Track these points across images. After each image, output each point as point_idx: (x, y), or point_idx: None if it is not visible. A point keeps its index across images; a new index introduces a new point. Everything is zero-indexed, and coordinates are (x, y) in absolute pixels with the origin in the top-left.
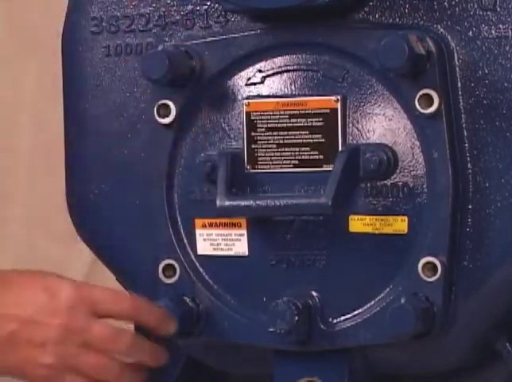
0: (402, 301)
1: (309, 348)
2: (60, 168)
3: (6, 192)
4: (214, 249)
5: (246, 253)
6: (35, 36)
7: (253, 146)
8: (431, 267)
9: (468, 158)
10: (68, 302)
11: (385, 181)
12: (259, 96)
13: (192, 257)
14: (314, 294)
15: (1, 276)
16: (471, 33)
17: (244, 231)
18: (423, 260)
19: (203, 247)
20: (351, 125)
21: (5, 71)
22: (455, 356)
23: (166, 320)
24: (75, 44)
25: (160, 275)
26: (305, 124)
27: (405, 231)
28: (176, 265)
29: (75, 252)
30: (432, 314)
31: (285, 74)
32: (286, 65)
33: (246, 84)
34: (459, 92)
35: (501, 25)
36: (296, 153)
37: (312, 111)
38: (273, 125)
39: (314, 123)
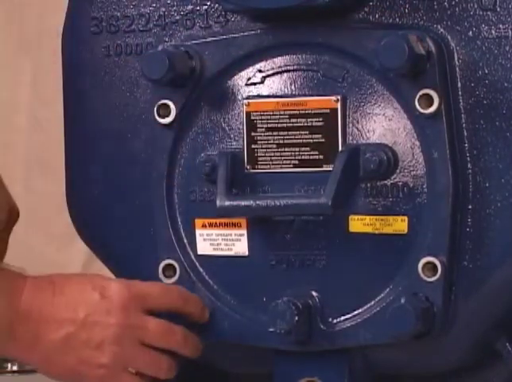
0: (402, 301)
1: (309, 348)
2: (57, 168)
3: None
4: (214, 249)
5: (246, 253)
6: (32, 36)
7: (253, 146)
8: (431, 267)
9: (468, 158)
10: (121, 301)
11: (385, 181)
12: (259, 96)
13: (192, 257)
14: (314, 294)
15: (46, 280)
16: (471, 33)
17: (244, 231)
18: (423, 260)
19: (203, 247)
20: (351, 125)
21: (2, 71)
22: (455, 356)
23: (204, 309)
24: (75, 44)
25: (161, 275)
26: (305, 124)
27: (405, 231)
28: (176, 265)
29: (70, 253)
30: (432, 314)
31: (285, 74)
32: (286, 65)
33: (246, 84)
34: (459, 92)
35: (501, 25)
36: (296, 153)
37: (312, 111)
38: (273, 125)
39: (314, 123)
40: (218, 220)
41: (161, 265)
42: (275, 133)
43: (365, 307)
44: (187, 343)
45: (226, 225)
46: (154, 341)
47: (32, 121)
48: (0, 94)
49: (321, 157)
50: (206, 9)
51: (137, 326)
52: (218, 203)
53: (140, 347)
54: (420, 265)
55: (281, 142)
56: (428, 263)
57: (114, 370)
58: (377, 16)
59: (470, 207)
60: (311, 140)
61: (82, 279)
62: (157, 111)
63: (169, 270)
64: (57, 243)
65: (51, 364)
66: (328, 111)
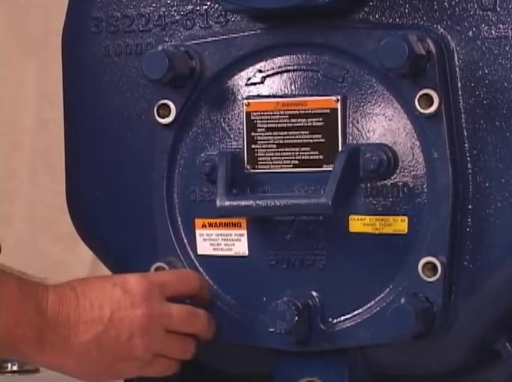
0: (402, 301)
1: (309, 348)
2: (62, 168)
3: (9, 192)
4: (214, 249)
5: (246, 253)
6: (35, 36)
7: (253, 146)
8: (431, 267)
9: (468, 158)
10: (142, 292)
11: (385, 181)
12: (259, 96)
13: (192, 257)
14: (314, 294)
15: (66, 286)
16: (471, 33)
17: (244, 232)
18: (423, 260)
19: (203, 247)
20: (351, 125)
21: (6, 70)
22: (455, 356)
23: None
24: (75, 44)
25: None
26: (305, 124)
27: (405, 231)
28: (177, 265)
29: (77, 253)
30: (432, 314)
31: (285, 74)
32: (286, 65)
33: (246, 84)
34: (459, 92)
35: (501, 25)
36: (296, 153)
37: (312, 111)
38: (273, 125)
39: (314, 123)
40: (218, 220)
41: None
42: (275, 133)
43: (365, 307)
44: (210, 326)
45: (226, 225)
46: (180, 327)
47: (38, 121)
48: (5, 94)
49: (321, 157)
50: (206, 9)
51: (162, 314)
52: (218, 203)
53: (167, 334)
54: (420, 265)
55: (281, 142)
56: (428, 263)
57: (147, 359)
58: (377, 16)
59: (470, 207)
60: (311, 140)
61: (100, 279)
62: (157, 111)
63: None
64: (64, 243)
65: (86, 366)
66: (328, 111)
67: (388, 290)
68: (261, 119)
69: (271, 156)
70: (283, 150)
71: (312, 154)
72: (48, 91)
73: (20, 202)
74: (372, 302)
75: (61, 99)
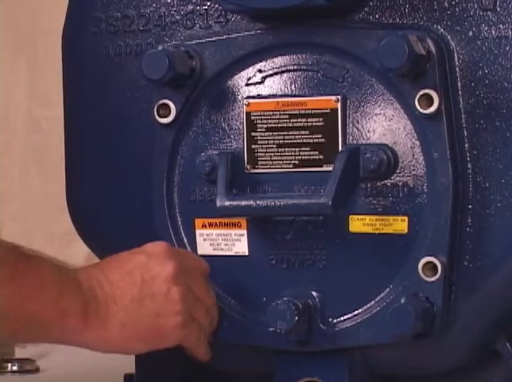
0: (402, 301)
1: (309, 348)
2: (54, 168)
3: (2, 191)
4: (214, 249)
5: (246, 253)
6: (26, 35)
7: (253, 146)
8: (431, 267)
9: (468, 158)
10: (165, 252)
11: (385, 181)
12: (259, 96)
13: None
14: (314, 294)
15: (91, 266)
16: (471, 33)
17: (244, 231)
18: (423, 260)
19: (203, 247)
20: (351, 125)
21: None
22: (455, 356)
23: None
24: (75, 44)
25: None
26: (305, 124)
27: (405, 231)
28: None
29: (68, 253)
30: (432, 314)
31: (285, 74)
32: (286, 65)
33: (246, 84)
34: (459, 92)
35: (501, 25)
36: (296, 153)
37: (312, 111)
38: (273, 125)
39: (314, 123)
40: (218, 220)
41: None
42: (275, 133)
43: (365, 307)
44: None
45: (226, 225)
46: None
47: (29, 121)
48: None
49: (321, 157)
50: (206, 9)
51: (187, 268)
52: (218, 203)
53: (194, 294)
54: (420, 265)
55: (281, 142)
56: (428, 262)
57: (186, 313)
58: (377, 16)
59: (470, 207)
60: (311, 140)
61: (118, 255)
62: (157, 111)
63: None
64: (57, 243)
65: (129, 330)
66: (328, 111)
67: (388, 290)
68: (261, 119)
69: (271, 156)
70: (283, 150)
71: (312, 154)
72: (40, 91)
73: (11, 202)
74: (372, 302)
75: (53, 98)
